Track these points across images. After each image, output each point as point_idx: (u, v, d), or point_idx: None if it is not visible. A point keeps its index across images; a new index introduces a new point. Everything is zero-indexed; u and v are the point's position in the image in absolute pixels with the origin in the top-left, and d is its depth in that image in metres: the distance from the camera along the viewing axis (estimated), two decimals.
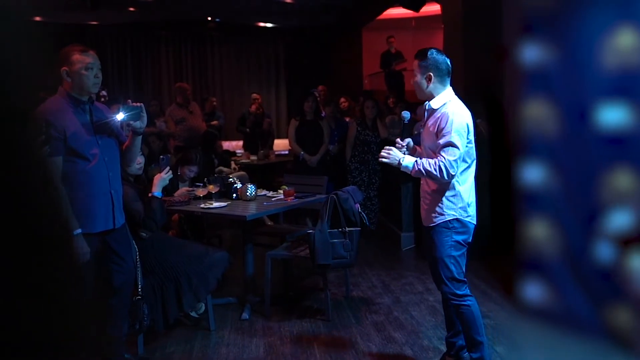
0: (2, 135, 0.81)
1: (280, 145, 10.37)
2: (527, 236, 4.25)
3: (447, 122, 3.13)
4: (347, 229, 4.38)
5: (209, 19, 12.15)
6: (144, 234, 3.82)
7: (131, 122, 3.32)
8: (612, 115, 3.70)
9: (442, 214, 3.23)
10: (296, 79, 12.87)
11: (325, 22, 12.05)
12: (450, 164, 3.08)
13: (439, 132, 3.16)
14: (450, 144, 3.10)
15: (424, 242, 3.54)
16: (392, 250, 6.54)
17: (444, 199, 3.22)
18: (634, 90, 3.62)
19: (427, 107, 3.29)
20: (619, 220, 3.64)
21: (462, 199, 3.22)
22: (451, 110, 3.17)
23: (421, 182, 3.40)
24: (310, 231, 4.37)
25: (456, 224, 3.23)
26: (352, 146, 7.06)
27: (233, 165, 8.12)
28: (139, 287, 3.73)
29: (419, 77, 3.27)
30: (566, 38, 3.99)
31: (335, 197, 4.43)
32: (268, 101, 12.85)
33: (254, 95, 9.87)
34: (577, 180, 3.96)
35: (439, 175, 3.10)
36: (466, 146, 3.17)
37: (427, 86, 3.26)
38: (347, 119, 8.00)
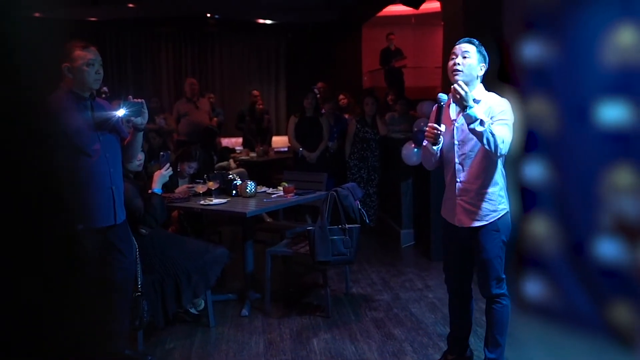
0: (11, 131, 0.81)
1: (280, 142, 10.36)
2: (528, 233, 4.25)
3: (503, 109, 3.06)
4: (347, 225, 4.39)
5: (209, 15, 12.13)
6: (144, 231, 3.82)
7: (132, 118, 3.32)
8: (612, 113, 3.70)
9: (495, 210, 3.16)
10: (296, 76, 12.85)
11: (325, 19, 12.02)
12: (504, 141, 2.98)
13: (492, 118, 3.04)
14: (508, 126, 3.03)
15: (449, 241, 3.43)
16: (391, 247, 6.55)
17: (494, 194, 3.15)
18: (635, 87, 3.62)
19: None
20: (623, 215, 3.64)
21: (506, 190, 3.21)
22: (503, 100, 3.12)
23: (459, 177, 3.23)
24: (310, 228, 4.38)
25: (503, 224, 3.18)
26: (352, 143, 7.05)
27: (232, 162, 8.12)
28: (139, 283, 3.74)
29: (473, 61, 3.12)
30: (567, 35, 3.99)
31: (335, 194, 4.43)
32: (268, 98, 12.83)
33: (254, 92, 9.86)
34: (578, 177, 3.96)
35: (496, 143, 2.95)
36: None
37: (477, 75, 3.15)
38: (347, 116, 8.00)
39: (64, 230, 1.01)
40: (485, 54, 3.18)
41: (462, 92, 2.96)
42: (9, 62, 0.85)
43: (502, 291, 3.25)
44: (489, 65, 3.22)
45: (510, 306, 3.31)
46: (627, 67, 3.62)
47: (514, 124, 3.09)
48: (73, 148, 3.15)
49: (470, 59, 3.12)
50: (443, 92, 3.24)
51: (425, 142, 3.27)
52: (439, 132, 3.16)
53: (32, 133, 0.91)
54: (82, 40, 3.28)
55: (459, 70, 3.11)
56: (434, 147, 3.22)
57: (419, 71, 12.24)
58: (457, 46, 3.17)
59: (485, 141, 2.96)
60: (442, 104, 3.18)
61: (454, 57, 3.15)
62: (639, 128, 3.58)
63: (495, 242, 3.18)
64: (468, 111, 2.96)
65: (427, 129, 3.21)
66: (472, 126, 2.96)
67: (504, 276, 3.25)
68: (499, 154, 3.02)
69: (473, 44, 3.15)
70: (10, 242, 0.82)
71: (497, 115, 3.05)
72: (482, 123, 2.93)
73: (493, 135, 2.94)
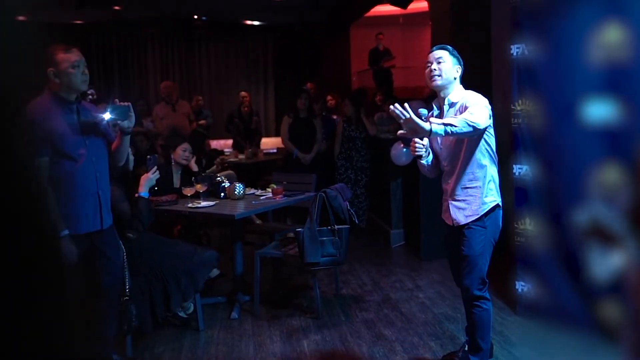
0: None
1: (269, 143, 10.33)
2: (517, 231, 4.26)
3: (474, 99, 3.14)
4: (336, 226, 4.38)
5: (196, 17, 12.09)
6: (131, 235, 3.79)
7: (119, 122, 3.29)
8: (600, 111, 3.71)
9: (484, 203, 3.22)
10: (284, 77, 12.84)
11: (313, 19, 12.01)
12: (475, 119, 2.98)
13: (465, 109, 3.13)
14: (477, 104, 3.08)
15: (449, 242, 3.46)
16: (381, 247, 6.54)
17: (483, 188, 3.22)
18: (621, 85, 3.63)
19: (447, 102, 3.26)
20: (607, 214, 3.65)
21: (496, 183, 3.27)
22: (477, 94, 3.20)
23: (449, 178, 3.33)
24: (299, 229, 4.36)
25: (492, 222, 3.23)
26: (340, 143, 7.05)
27: (215, 167, 8.08)
28: (127, 287, 3.70)
29: (448, 65, 3.21)
30: (554, 34, 4.00)
31: (324, 195, 4.42)
32: (256, 99, 12.79)
33: (242, 93, 9.83)
34: (567, 175, 3.96)
35: (468, 127, 2.95)
36: (491, 134, 3.21)
37: (454, 77, 3.25)
38: (335, 117, 7.99)
39: (48, 235, 0.98)
40: (459, 56, 3.28)
41: (405, 115, 2.94)
42: None
43: (482, 294, 3.27)
44: (466, 66, 3.32)
45: (491, 310, 3.33)
46: (615, 65, 3.63)
47: (486, 107, 3.11)
48: (57, 152, 3.12)
49: (445, 63, 3.22)
50: (430, 96, 3.31)
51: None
52: (422, 145, 3.26)
53: (13, 138, 0.89)
54: (67, 43, 3.25)
55: (437, 75, 3.22)
56: (422, 161, 3.33)
57: (408, 71, 12.24)
58: (430, 54, 3.29)
59: (461, 131, 2.97)
60: (423, 118, 3.20)
61: (429, 64, 3.26)
62: (626, 126, 3.59)
63: (480, 238, 3.22)
64: (433, 132, 2.94)
65: (411, 143, 3.29)
66: (442, 131, 2.94)
67: (487, 280, 3.29)
68: (478, 128, 3.00)
69: (446, 49, 3.27)
70: None
71: (470, 105, 3.12)
72: (447, 125, 2.94)
73: (461, 123, 2.94)
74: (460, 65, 3.27)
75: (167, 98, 8.13)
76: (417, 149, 3.26)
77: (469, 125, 2.96)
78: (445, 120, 2.99)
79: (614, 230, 3.53)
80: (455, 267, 3.48)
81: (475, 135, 3.10)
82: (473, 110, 3.06)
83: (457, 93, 3.26)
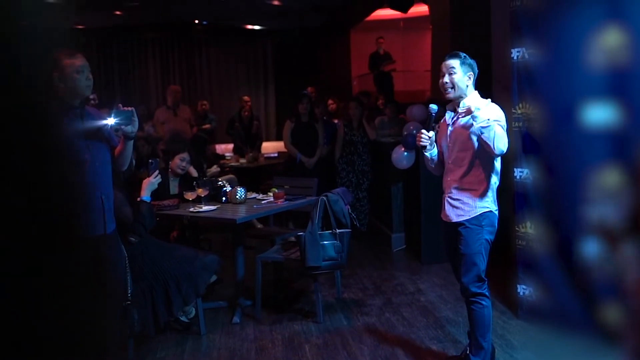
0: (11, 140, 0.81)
1: (270, 147, 10.34)
2: (519, 235, 4.26)
3: (497, 113, 3.19)
4: (338, 230, 4.38)
5: (196, 21, 12.12)
6: (133, 239, 3.79)
7: (122, 127, 3.29)
8: (600, 114, 3.71)
9: (476, 207, 3.29)
10: (285, 81, 12.86)
11: (313, 24, 12.04)
12: (503, 142, 3.10)
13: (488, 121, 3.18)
14: (502, 128, 3.15)
15: (448, 242, 3.51)
16: (383, 251, 6.54)
17: (479, 192, 3.28)
18: (621, 88, 3.63)
19: (462, 107, 3.29)
20: (607, 216, 3.65)
21: (494, 192, 3.32)
22: (496, 107, 3.26)
23: (448, 176, 3.40)
24: (301, 233, 4.36)
25: (488, 222, 3.29)
26: (341, 147, 7.06)
27: (214, 167, 8.11)
28: (129, 292, 3.71)
29: (460, 75, 3.27)
30: (554, 37, 4.01)
31: (325, 199, 4.43)
32: (257, 103, 12.81)
33: (245, 98, 9.85)
34: (566, 178, 3.97)
35: (500, 142, 3.07)
36: None
37: (467, 85, 3.30)
38: (336, 121, 8.00)
39: (61, 239, 0.99)
40: (471, 62, 3.33)
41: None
42: (6, 71, 0.84)
43: (481, 291, 3.32)
44: (478, 69, 3.37)
45: (490, 308, 3.37)
46: (615, 69, 3.64)
47: (506, 130, 3.22)
48: (66, 157, 3.12)
49: (456, 74, 3.28)
50: (432, 98, 3.37)
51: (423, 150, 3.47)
52: (428, 137, 3.36)
53: (33, 142, 0.90)
54: (67, 48, 3.26)
55: (449, 88, 3.30)
56: (427, 153, 3.44)
57: (408, 75, 12.28)
58: (443, 63, 3.35)
59: (485, 136, 3.08)
60: (432, 113, 3.37)
61: (442, 75, 3.34)
62: (626, 129, 3.59)
63: (477, 237, 3.28)
64: (476, 120, 3.11)
65: (417, 134, 3.40)
66: (479, 120, 3.09)
67: (485, 278, 3.34)
68: (497, 152, 3.11)
69: (457, 57, 3.32)
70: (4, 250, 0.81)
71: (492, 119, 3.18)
72: (486, 126, 3.09)
73: (495, 134, 3.07)
74: (473, 71, 3.32)
75: (174, 102, 8.16)
76: (422, 140, 3.36)
77: (492, 142, 3.06)
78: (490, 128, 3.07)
79: (617, 231, 3.54)
80: (452, 263, 3.55)
81: (488, 150, 3.15)
82: (502, 132, 3.12)
83: (472, 98, 3.31)
